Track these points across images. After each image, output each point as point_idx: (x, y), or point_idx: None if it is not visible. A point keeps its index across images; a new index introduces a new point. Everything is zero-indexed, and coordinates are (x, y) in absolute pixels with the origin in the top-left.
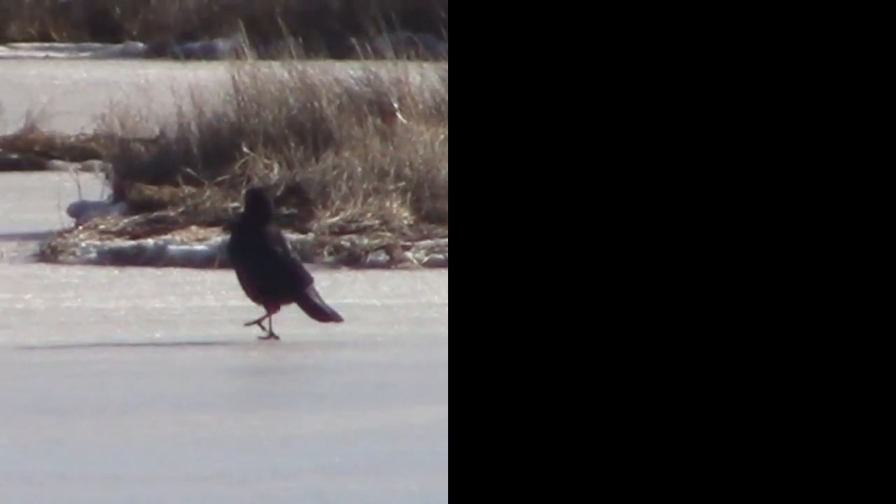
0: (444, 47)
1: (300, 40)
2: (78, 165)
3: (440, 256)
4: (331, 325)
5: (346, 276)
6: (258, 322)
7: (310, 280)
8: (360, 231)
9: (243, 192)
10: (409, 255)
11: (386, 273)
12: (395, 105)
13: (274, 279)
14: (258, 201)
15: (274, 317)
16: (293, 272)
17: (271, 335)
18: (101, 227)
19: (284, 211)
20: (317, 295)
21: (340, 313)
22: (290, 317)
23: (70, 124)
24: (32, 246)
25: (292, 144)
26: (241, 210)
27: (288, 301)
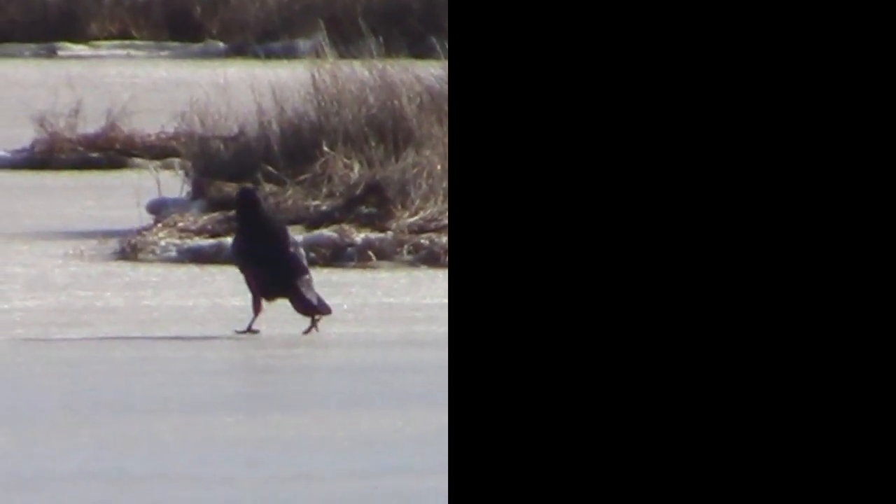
0: None
1: (381, 40)
2: (158, 163)
3: None
4: (410, 325)
5: (425, 274)
6: (249, 328)
7: (303, 271)
8: (440, 230)
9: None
10: None
11: None
12: None
13: (269, 278)
14: (245, 201)
15: (354, 316)
16: (284, 267)
17: (250, 330)
18: (181, 224)
19: (364, 210)
20: (308, 286)
21: (329, 305)
22: (370, 315)
23: (150, 123)
24: (112, 244)
25: (372, 143)
26: (235, 212)
27: (282, 296)
